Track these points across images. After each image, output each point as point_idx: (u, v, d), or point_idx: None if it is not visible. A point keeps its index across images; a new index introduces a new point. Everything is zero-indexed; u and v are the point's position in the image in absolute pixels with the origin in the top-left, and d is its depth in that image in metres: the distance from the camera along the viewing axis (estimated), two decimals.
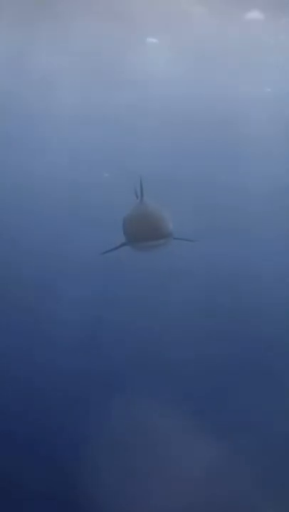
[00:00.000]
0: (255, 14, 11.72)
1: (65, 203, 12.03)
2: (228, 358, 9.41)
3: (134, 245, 7.11)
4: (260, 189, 12.26)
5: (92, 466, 7.32)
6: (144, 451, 7.55)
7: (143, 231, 6.93)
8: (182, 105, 13.00)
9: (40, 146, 13.30)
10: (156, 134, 12.48)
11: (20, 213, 11.91)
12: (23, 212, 12.00)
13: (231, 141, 13.02)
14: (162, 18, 11.55)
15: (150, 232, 6.88)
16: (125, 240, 7.42)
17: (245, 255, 11.51)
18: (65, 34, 12.14)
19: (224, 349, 9.54)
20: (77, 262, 10.13)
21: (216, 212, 12.09)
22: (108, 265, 8.82)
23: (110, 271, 9.82)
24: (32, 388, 8.59)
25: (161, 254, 7.35)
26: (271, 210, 12.01)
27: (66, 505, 6.87)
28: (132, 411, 8.04)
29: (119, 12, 11.42)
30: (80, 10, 11.46)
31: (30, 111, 13.60)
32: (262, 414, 8.14)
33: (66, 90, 12.82)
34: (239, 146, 13.00)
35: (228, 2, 11.27)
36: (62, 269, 10.57)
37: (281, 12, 11.61)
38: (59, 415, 8.13)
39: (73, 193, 12.08)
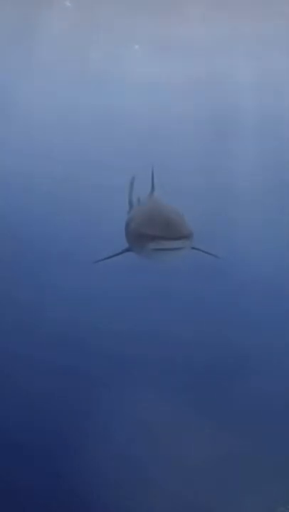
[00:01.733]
0: None
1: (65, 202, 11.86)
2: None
3: (142, 250, 5.46)
4: None
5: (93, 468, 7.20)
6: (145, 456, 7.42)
7: (155, 228, 5.24)
8: None
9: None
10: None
11: (20, 213, 11.70)
12: (23, 212, 11.80)
13: None
14: None
15: (165, 230, 5.18)
16: (128, 245, 5.98)
17: None
18: None
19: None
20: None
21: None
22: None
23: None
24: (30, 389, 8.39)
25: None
26: None
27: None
28: (131, 413, 7.98)
29: None
30: None
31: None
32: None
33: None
34: None
35: None
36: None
37: None
38: (57, 419, 7.98)
39: (73, 192, 11.85)
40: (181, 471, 7.18)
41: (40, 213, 11.89)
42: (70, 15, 11.53)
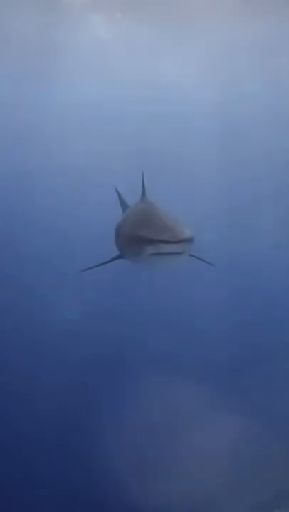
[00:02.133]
0: None
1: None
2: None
3: (137, 256, 4.94)
4: None
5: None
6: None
7: (153, 231, 4.73)
8: None
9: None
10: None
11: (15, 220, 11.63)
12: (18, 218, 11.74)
13: None
14: None
15: (165, 233, 4.69)
16: (120, 251, 5.51)
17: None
18: None
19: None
20: None
21: None
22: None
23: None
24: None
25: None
26: None
27: None
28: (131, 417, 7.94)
29: None
30: None
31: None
32: None
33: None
34: None
35: None
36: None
37: None
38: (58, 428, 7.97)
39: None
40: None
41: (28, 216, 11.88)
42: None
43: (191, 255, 5.24)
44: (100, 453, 7.57)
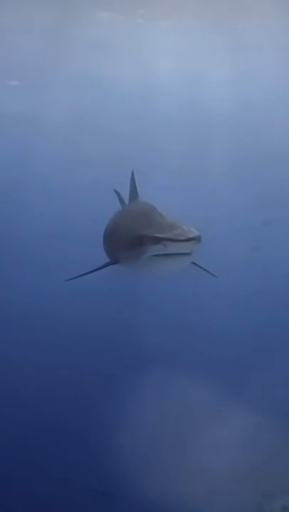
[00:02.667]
0: None
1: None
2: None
3: (138, 259, 4.37)
4: None
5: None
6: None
7: (159, 229, 4.28)
8: None
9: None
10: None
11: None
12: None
13: None
14: None
15: (171, 230, 4.24)
16: (112, 256, 4.99)
17: None
18: None
19: None
20: None
21: None
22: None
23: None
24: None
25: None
26: None
27: None
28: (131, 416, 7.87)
29: None
30: None
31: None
32: None
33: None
34: None
35: None
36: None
37: None
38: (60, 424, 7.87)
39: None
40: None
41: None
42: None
43: (193, 263, 4.79)
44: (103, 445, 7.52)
